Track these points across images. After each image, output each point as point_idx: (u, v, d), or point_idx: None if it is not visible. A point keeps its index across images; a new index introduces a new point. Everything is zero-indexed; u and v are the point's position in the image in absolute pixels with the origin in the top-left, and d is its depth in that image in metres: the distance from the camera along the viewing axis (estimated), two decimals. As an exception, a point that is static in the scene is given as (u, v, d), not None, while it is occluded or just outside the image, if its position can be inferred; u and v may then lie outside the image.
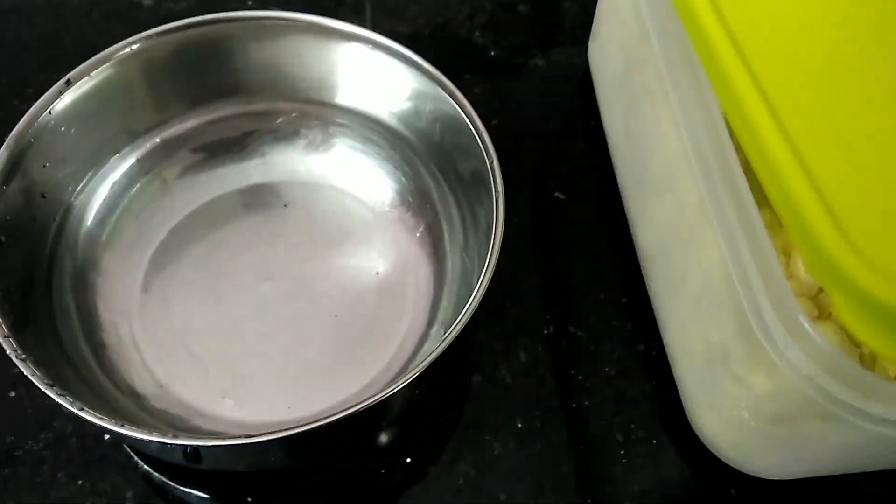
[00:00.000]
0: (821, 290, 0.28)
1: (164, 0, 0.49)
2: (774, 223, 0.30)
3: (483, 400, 0.37)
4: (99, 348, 0.36)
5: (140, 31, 0.48)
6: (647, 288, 0.38)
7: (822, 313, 0.28)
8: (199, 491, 0.35)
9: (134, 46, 0.36)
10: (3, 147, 0.33)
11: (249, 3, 0.49)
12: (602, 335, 0.39)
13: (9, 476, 0.34)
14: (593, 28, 0.45)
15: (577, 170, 0.44)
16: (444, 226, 0.39)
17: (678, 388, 0.36)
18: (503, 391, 0.37)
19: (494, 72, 0.48)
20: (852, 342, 0.28)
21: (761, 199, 0.26)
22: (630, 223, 0.40)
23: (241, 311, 0.38)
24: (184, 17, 0.49)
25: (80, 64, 0.36)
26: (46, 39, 0.48)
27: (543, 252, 0.41)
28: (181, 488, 0.35)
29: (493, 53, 0.48)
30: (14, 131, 0.34)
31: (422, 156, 0.40)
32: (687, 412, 0.35)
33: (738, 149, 0.29)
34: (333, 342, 0.37)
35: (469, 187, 0.37)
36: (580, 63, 0.48)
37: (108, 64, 0.36)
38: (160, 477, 0.35)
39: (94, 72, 0.36)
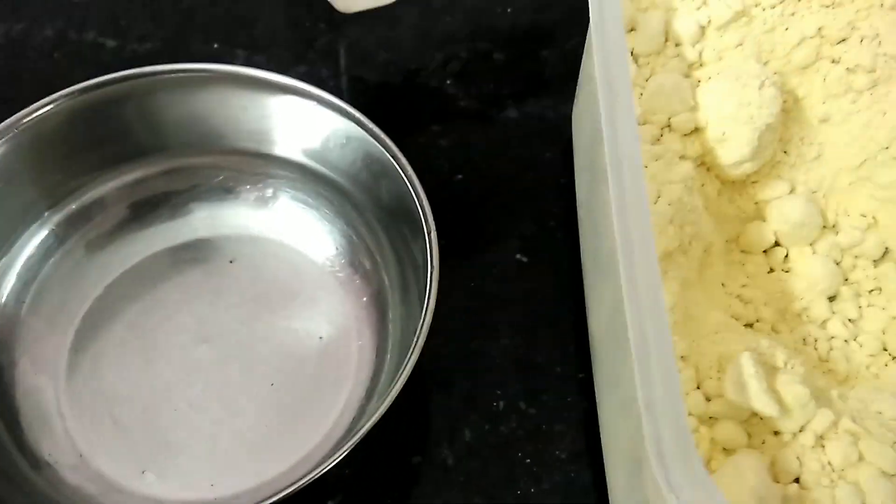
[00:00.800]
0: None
1: (127, 42, 0.48)
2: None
3: (421, 484, 0.34)
4: (15, 414, 0.34)
5: (102, 73, 0.46)
6: (594, 373, 0.36)
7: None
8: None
9: (55, 104, 0.34)
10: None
11: (215, 45, 0.48)
12: (555, 414, 0.36)
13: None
14: (577, 90, 0.43)
15: (543, 231, 0.42)
16: (389, 291, 0.37)
17: (608, 491, 0.33)
18: (443, 474, 0.35)
19: (464, 123, 0.45)
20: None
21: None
22: (586, 301, 0.38)
23: (172, 376, 0.36)
24: (148, 60, 0.47)
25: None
26: (6, 79, 0.47)
27: (501, 320, 0.39)
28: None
29: (463, 104, 0.46)
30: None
31: (370, 215, 0.37)
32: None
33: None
34: (267, 412, 0.35)
35: (414, 251, 0.35)
36: (554, 117, 0.45)
37: (27, 121, 0.34)
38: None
39: (21, 126, 0.34)
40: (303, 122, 0.37)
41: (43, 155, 0.35)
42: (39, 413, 0.34)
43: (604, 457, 0.34)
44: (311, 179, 0.38)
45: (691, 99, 0.35)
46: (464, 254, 0.41)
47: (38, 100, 0.45)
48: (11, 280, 0.36)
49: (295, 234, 0.39)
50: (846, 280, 0.35)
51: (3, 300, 0.35)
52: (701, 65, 0.37)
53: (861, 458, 0.27)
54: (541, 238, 0.41)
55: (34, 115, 0.34)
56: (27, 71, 0.47)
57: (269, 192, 0.39)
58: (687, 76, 0.36)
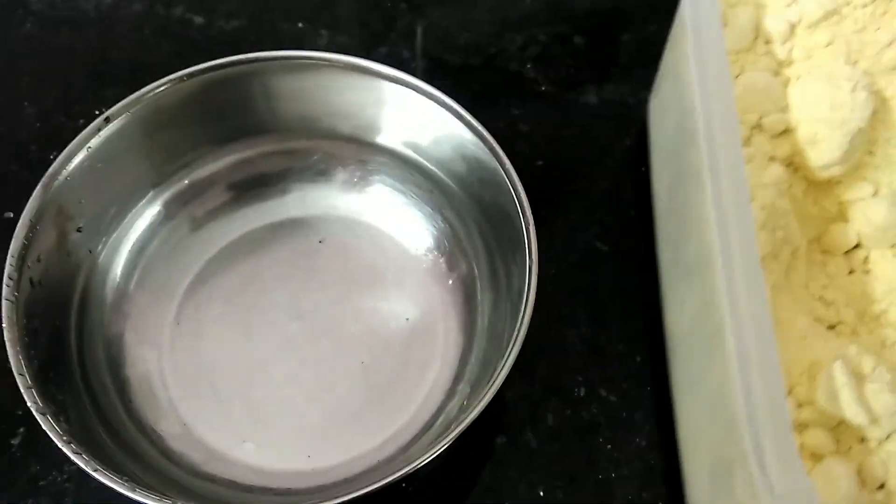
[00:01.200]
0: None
1: (215, 19, 0.49)
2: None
3: (505, 464, 0.36)
4: (125, 384, 0.36)
5: (190, 49, 0.48)
6: (669, 372, 0.37)
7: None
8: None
9: (167, 85, 0.36)
10: (39, 185, 0.33)
11: (300, 25, 0.49)
12: (635, 402, 0.37)
13: (31, 506, 0.35)
14: (656, 81, 0.43)
15: (622, 220, 0.42)
16: (478, 278, 0.38)
17: (685, 495, 0.34)
18: (527, 456, 0.36)
19: (543, 108, 0.46)
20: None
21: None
22: (661, 296, 0.39)
23: (268, 350, 0.38)
24: (234, 37, 0.49)
25: (127, 81, 0.36)
26: (96, 54, 0.48)
27: (580, 307, 0.40)
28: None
29: (543, 88, 0.47)
30: (50, 169, 0.34)
31: (460, 204, 0.39)
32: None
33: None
34: (358, 389, 0.37)
35: (504, 243, 0.36)
36: (634, 103, 0.46)
37: (143, 102, 0.35)
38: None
39: (134, 109, 0.35)
40: (400, 111, 0.38)
41: (153, 134, 0.37)
42: (146, 383, 0.36)
43: (681, 452, 0.35)
44: (403, 165, 0.39)
45: (783, 99, 0.36)
46: (543, 240, 0.41)
47: (127, 75, 0.46)
48: (123, 255, 0.37)
49: (384, 217, 0.40)
50: (926, 284, 0.35)
51: (116, 276, 0.37)
52: (790, 63, 0.37)
53: (945, 465, 0.28)
54: (620, 227, 0.42)
55: (147, 95, 0.36)
56: (116, 45, 0.48)
57: (361, 175, 0.40)
58: (776, 74, 0.37)
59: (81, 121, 0.45)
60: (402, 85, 0.37)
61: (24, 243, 0.32)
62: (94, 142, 0.35)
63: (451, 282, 0.39)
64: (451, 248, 0.39)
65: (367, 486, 0.28)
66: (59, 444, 0.28)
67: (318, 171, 0.40)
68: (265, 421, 0.36)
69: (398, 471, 0.29)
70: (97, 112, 0.45)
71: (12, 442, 0.36)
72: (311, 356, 0.38)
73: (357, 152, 0.40)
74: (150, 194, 0.38)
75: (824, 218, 0.37)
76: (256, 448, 0.36)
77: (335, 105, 0.38)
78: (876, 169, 0.37)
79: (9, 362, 0.37)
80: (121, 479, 0.28)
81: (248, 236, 0.40)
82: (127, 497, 0.35)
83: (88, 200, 0.35)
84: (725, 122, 0.31)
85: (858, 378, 0.29)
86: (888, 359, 0.33)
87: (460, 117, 0.35)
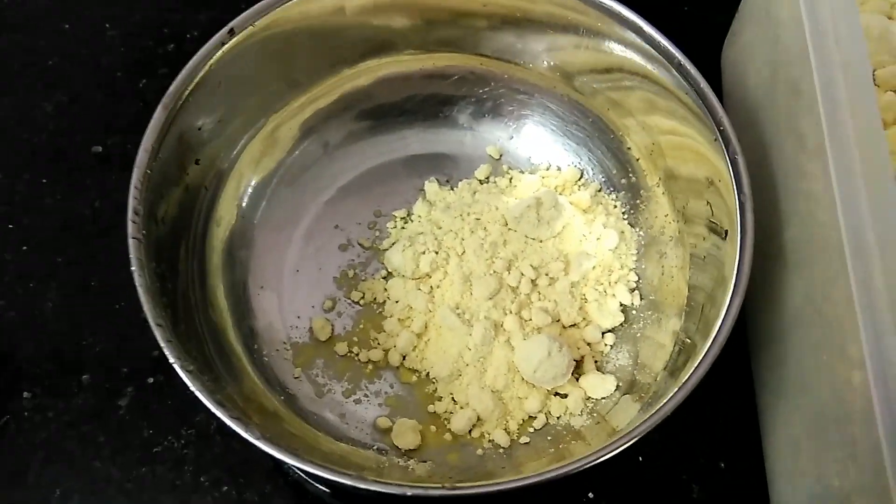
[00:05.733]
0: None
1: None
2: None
3: (677, 432, 0.32)
4: (249, 338, 0.31)
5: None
6: (754, 376, 0.32)
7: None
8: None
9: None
10: (160, 106, 0.28)
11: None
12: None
13: (146, 475, 0.31)
14: (732, 26, 0.37)
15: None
16: (632, 212, 0.34)
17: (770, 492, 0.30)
18: (705, 425, 0.32)
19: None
20: None
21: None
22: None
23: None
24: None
25: (222, 2, 0.31)
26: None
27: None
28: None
29: (686, 8, 0.42)
30: (172, 88, 0.29)
31: (616, 136, 0.34)
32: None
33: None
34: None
35: (683, 174, 0.31)
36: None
37: (273, 12, 0.31)
38: (315, 488, 0.31)
39: (259, 21, 0.30)
40: (554, 27, 0.33)
41: (279, 51, 0.32)
42: (270, 336, 0.32)
43: (769, 486, 0.30)
44: (551, 97, 0.35)
45: None
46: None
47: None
48: (240, 194, 0.33)
49: (528, 154, 0.36)
50: None
51: (241, 193, 0.33)
52: None
53: None
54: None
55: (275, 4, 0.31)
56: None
57: (497, 108, 0.36)
58: (890, 18, 0.31)
59: (171, 45, 0.40)
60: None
61: (146, 172, 0.27)
62: (216, 57, 0.30)
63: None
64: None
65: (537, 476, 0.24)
66: (212, 408, 0.24)
67: (455, 101, 0.35)
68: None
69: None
70: (188, 36, 0.41)
71: (119, 403, 0.32)
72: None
73: (499, 79, 0.35)
74: (274, 118, 0.33)
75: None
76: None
77: (488, 24, 0.33)
78: None
79: (108, 311, 0.33)
80: (289, 449, 0.24)
81: (369, 173, 0.36)
82: (249, 461, 0.31)
83: (207, 128, 0.31)
84: (853, 74, 0.24)
85: None
86: None
87: (641, 32, 0.30)
